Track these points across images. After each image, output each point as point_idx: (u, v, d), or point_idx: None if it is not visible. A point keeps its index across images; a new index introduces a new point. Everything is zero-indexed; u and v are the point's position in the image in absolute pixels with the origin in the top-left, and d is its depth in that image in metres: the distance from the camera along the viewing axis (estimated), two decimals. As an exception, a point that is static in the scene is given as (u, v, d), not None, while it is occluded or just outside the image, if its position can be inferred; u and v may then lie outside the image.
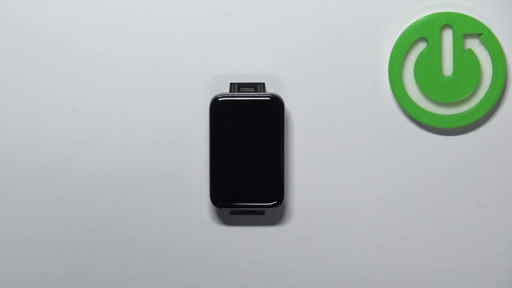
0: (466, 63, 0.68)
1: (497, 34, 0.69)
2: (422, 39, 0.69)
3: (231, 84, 0.68)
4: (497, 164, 0.70)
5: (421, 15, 0.69)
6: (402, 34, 0.68)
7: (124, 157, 0.70)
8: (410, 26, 0.68)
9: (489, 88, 0.69)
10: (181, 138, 0.70)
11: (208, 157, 0.68)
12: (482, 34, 0.68)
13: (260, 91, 0.68)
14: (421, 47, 0.69)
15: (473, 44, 0.69)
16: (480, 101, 0.69)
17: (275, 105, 0.66)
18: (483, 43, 0.68)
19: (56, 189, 0.70)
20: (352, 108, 0.69)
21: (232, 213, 0.69)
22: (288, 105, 0.69)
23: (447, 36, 0.69)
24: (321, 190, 0.70)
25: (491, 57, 0.68)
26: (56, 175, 0.70)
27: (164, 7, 0.69)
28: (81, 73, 0.70)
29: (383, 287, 0.70)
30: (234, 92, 0.68)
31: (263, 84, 0.69)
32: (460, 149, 0.70)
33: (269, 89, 0.69)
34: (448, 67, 0.69)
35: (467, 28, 0.68)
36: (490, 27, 0.68)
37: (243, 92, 0.68)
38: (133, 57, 0.69)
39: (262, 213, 0.69)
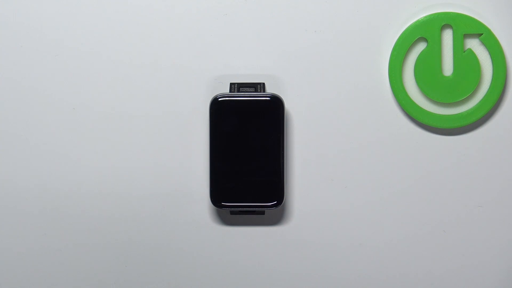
0: (466, 63, 0.68)
1: (497, 34, 0.69)
2: (422, 39, 0.69)
3: (231, 84, 0.68)
4: (497, 164, 0.70)
5: (421, 15, 0.69)
6: (402, 34, 0.69)
7: (124, 157, 0.70)
8: (410, 26, 0.68)
9: (489, 88, 0.69)
10: (181, 138, 0.70)
11: (208, 157, 0.68)
12: (482, 34, 0.68)
13: (260, 91, 0.68)
14: (421, 47, 0.69)
15: (473, 44, 0.69)
16: (480, 101, 0.69)
17: (275, 105, 0.66)
18: (483, 43, 0.68)
19: (55, 189, 0.70)
20: (352, 108, 0.69)
21: (232, 213, 0.69)
22: (288, 105, 0.69)
23: (447, 36, 0.69)
24: (321, 190, 0.70)
25: (491, 57, 0.68)
26: (56, 174, 0.70)
27: (164, 7, 0.69)
28: (81, 73, 0.70)
29: (383, 287, 0.70)
30: (234, 92, 0.68)
31: (263, 84, 0.69)
32: (460, 149, 0.70)
33: (269, 89, 0.69)
34: (448, 67, 0.69)
35: (467, 28, 0.68)
36: (490, 27, 0.68)
37: (243, 92, 0.68)
38: (133, 57, 0.69)
39: (262, 213, 0.69)
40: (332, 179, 0.70)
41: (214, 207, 0.69)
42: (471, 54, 0.68)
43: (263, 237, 0.70)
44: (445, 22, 0.68)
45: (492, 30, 0.68)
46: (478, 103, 0.69)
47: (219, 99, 0.67)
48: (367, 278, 0.70)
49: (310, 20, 0.69)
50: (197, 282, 0.71)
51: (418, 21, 0.68)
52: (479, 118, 0.69)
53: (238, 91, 0.68)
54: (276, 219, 0.70)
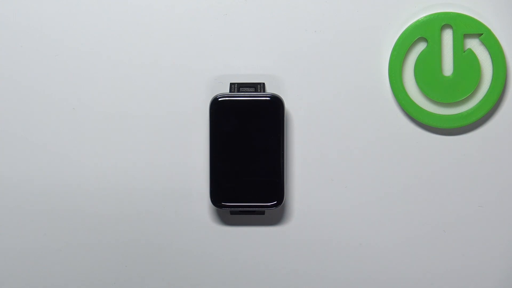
0: (466, 63, 0.68)
1: (497, 34, 0.69)
2: (422, 39, 0.69)
3: (231, 84, 0.68)
4: (497, 164, 0.70)
5: (421, 15, 0.69)
6: (402, 34, 0.69)
7: (124, 157, 0.70)
8: (410, 26, 0.68)
9: (489, 88, 0.69)
10: (181, 138, 0.70)
11: (208, 157, 0.68)
12: (482, 34, 0.68)
13: (260, 91, 0.68)
14: (421, 47, 0.69)
15: (473, 44, 0.69)
16: (480, 101, 0.69)
17: (275, 105, 0.66)
18: (483, 43, 0.68)
19: (55, 189, 0.70)
20: (352, 108, 0.69)
21: (232, 213, 0.69)
22: (288, 105, 0.69)
23: (447, 36, 0.69)
24: (321, 190, 0.70)
25: (491, 57, 0.68)
26: (56, 174, 0.70)
27: (164, 7, 0.69)
28: (81, 73, 0.70)
29: (383, 287, 0.70)
30: (234, 92, 0.68)
31: (263, 84, 0.69)
32: (460, 149, 0.70)
33: (269, 89, 0.69)
34: (448, 67, 0.69)
35: (467, 28, 0.68)
36: (490, 27, 0.68)
37: (243, 92, 0.68)
38: (133, 57, 0.69)
39: (262, 213, 0.69)
40: (332, 179, 0.70)
41: (214, 207, 0.69)
42: (471, 54, 0.68)
43: (263, 237, 0.70)
44: (445, 22, 0.68)
45: (492, 30, 0.68)
46: (478, 103, 0.69)
47: (219, 99, 0.67)
48: (367, 278, 0.70)
49: (310, 20, 0.69)
50: (197, 282, 0.71)
51: (418, 21, 0.68)
52: (479, 118, 0.69)
53: (238, 91, 0.68)
54: (276, 219, 0.70)
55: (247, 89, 0.68)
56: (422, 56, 0.68)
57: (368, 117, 0.69)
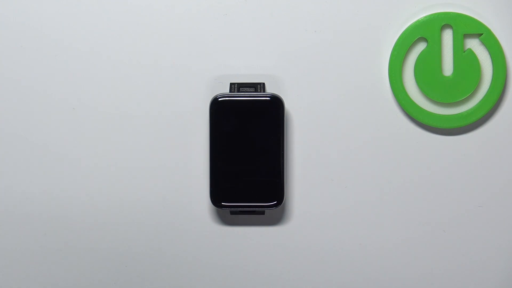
0: (466, 63, 0.68)
1: (497, 34, 0.69)
2: (422, 39, 0.69)
3: (231, 84, 0.68)
4: (497, 164, 0.70)
5: (421, 15, 0.69)
6: (402, 34, 0.69)
7: (124, 157, 0.70)
8: (410, 26, 0.68)
9: (489, 88, 0.69)
10: (181, 138, 0.70)
11: (208, 157, 0.68)
12: (482, 34, 0.68)
13: (260, 91, 0.68)
14: (421, 47, 0.69)
15: (473, 44, 0.69)
16: (480, 101, 0.69)
17: (275, 105, 0.66)
18: (483, 43, 0.68)
19: (55, 189, 0.70)
20: (352, 108, 0.69)
21: (232, 213, 0.69)
22: (288, 105, 0.69)
23: (447, 36, 0.69)
24: (321, 190, 0.70)
25: (491, 57, 0.68)
26: (56, 174, 0.70)
27: (164, 7, 0.69)
28: (81, 73, 0.70)
29: (383, 287, 0.70)
30: (234, 92, 0.68)
31: (263, 84, 0.69)
32: (460, 149, 0.70)
33: (269, 89, 0.69)
34: (448, 67, 0.69)
35: (467, 28, 0.68)
36: (490, 27, 0.68)
37: (243, 92, 0.68)
38: (133, 57, 0.69)
39: (262, 213, 0.69)
40: (332, 179, 0.70)
41: (214, 207, 0.69)
42: (471, 54, 0.68)
43: (263, 237, 0.70)
44: (445, 22, 0.68)
45: (492, 30, 0.68)
46: (478, 103, 0.69)
47: (219, 99, 0.67)
48: (367, 278, 0.70)
49: (310, 20, 0.69)
50: (197, 282, 0.71)
51: (418, 21, 0.68)
52: (479, 118, 0.69)
53: (238, 91, 0.68)
54: (276, 219, 0.70)
55: (247, 89, 0.68)
56: (422, 56, 0.68)
57: (368, 117, 0.69)
